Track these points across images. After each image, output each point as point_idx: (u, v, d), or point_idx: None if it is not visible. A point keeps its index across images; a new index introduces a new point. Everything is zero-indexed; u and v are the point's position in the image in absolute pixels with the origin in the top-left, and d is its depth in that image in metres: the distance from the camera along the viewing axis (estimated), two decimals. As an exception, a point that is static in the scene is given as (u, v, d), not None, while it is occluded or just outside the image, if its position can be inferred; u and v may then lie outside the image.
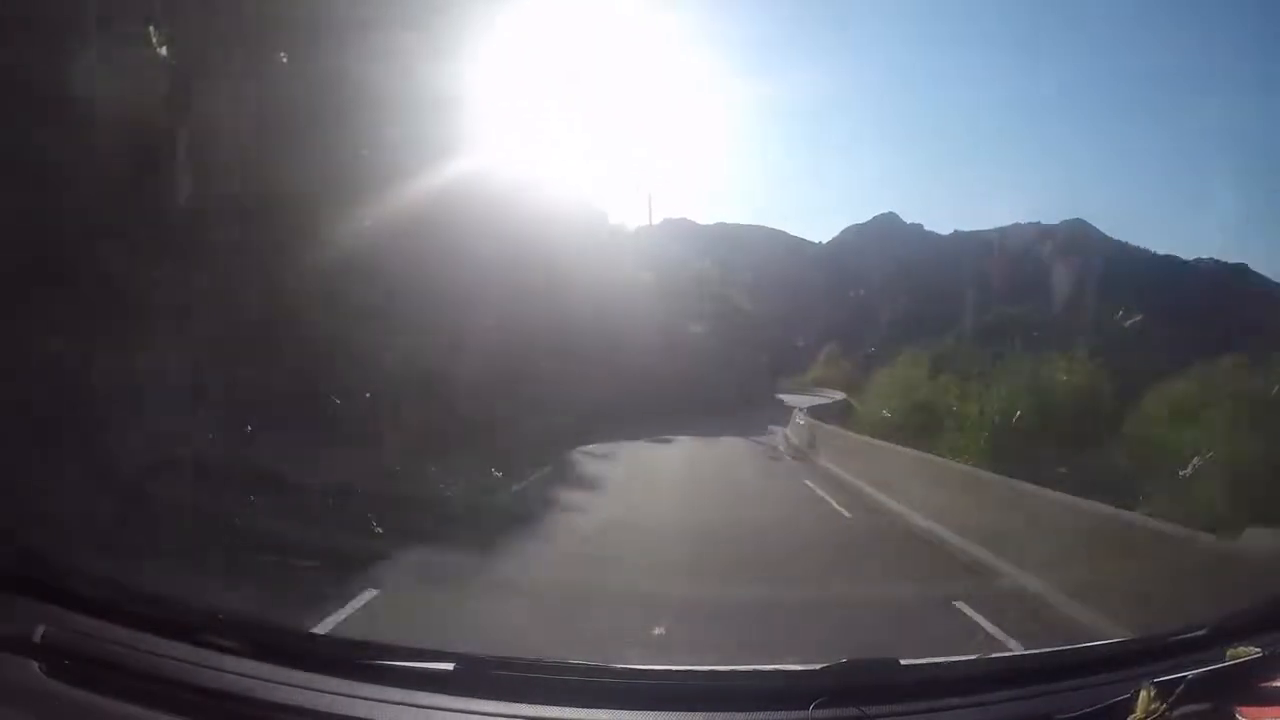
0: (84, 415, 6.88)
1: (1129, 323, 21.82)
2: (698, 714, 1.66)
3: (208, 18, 8.50)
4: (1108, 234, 73.66)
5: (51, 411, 6.55)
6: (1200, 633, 1.99)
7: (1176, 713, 1.50)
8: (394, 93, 10.53)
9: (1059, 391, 14.98)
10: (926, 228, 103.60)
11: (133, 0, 8.00)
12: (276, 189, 8.84)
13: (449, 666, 1.70)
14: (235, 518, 6.44)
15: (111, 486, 6.44)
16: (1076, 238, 64.66)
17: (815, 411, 23.94)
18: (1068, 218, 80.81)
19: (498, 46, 15.04)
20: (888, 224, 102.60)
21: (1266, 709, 1.57)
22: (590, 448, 17.24)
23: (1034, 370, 15.76)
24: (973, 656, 2.20)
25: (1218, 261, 72.30)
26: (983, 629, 5.51)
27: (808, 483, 13.72)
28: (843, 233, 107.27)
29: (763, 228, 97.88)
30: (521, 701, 1.64)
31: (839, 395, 37.50)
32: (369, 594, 5.56)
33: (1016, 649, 4.81)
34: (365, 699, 1.63)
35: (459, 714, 1.63)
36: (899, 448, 13.28)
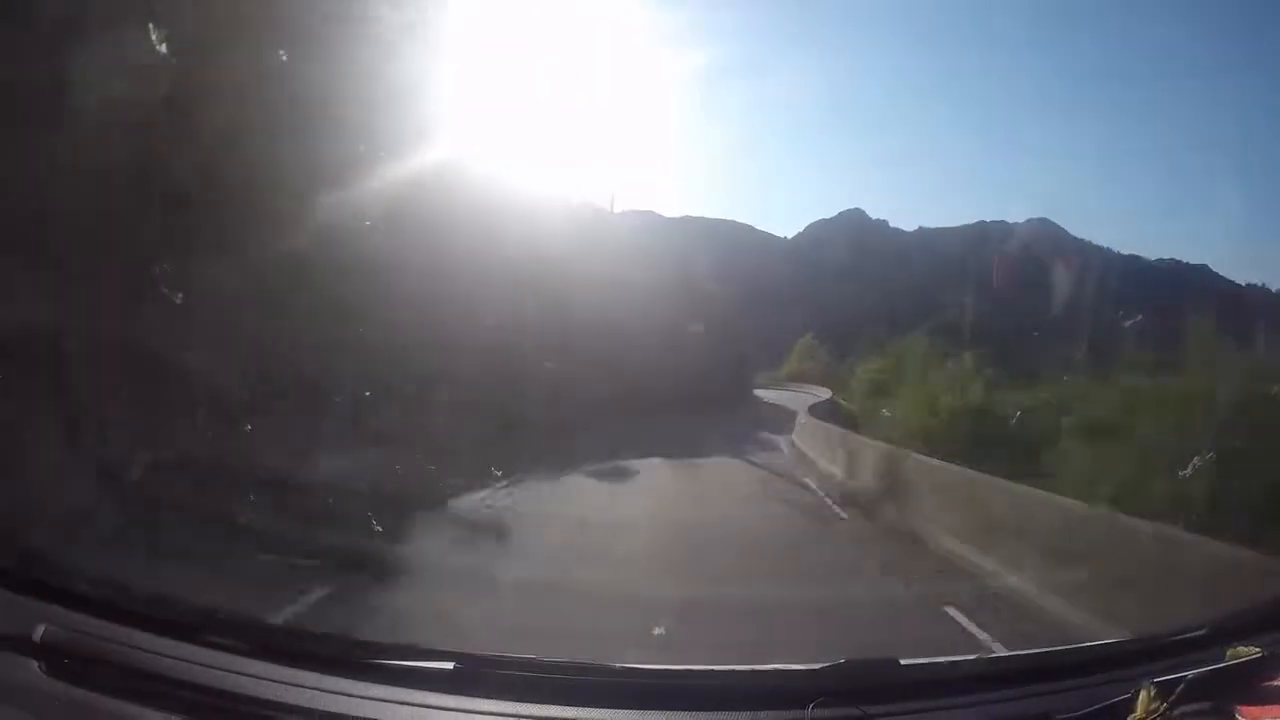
0: (84, 415, 6.88)
1: (1129, 323, 21.68)
2: (697, 713, 1.66)
3: (208, 17, 8.49)
4: (1073, 233, 73.99)
5: (51, 411, 6.54)
6: (1200, 632, 1.99)
7: (1176, 712, 1.50)
8: (383, 86, 10.51)
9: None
10: (892, 224, 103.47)
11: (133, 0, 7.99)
12: (274, 186, 8.84)
13: (449, 665, 1.70)
14: (235, 517, 6.44)
15: (111, 486, 6.44)
16: (1042, 236, 64.75)
17: (817, 413, 20.60)
18: (1033, 216, 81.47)
19: (464, 38, 15.15)
20: (854, 220, 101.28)
21: (1267, 709, 1.57)
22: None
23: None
24: (972, 656, 2.20)
25: (1179, 262, 74.15)
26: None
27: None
28: (809, 228, 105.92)
29: (730, 221, 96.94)
30: (522, 700, 1.63)
31: (824, 392, 34.49)
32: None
33: None
34: (365, 698, 1.63)
35: (459, 713, 1.63)
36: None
